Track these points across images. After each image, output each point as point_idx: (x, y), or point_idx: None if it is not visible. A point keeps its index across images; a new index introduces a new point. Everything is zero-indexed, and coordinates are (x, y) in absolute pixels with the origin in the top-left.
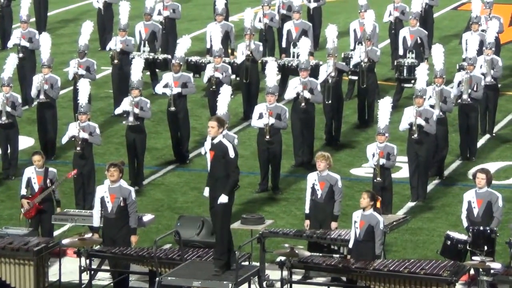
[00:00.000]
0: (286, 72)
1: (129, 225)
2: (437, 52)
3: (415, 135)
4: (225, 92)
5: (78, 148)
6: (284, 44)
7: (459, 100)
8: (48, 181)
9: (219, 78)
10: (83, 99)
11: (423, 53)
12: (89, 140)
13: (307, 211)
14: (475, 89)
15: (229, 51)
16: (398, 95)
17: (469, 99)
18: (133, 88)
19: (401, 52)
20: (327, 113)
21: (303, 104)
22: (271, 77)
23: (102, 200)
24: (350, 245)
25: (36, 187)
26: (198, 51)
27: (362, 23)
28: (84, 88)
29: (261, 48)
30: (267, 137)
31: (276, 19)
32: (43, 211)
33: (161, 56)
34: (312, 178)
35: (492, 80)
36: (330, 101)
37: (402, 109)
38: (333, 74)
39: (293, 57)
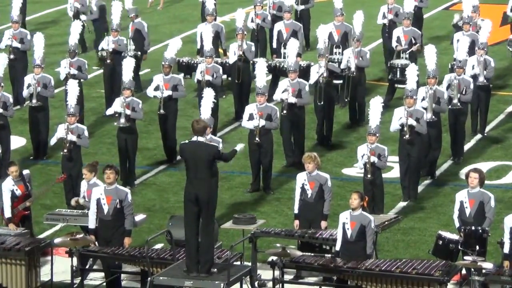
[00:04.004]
0: (277, 73)
1: (124, 226)
2: (430, 52)
3: (407, 136)
4: (208, 96)
5: (65, 151)
6: (275, 45)
7: (450, 106)
8: (28, 185)
9: (209, 81)
10: (72, 100)
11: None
12: (77, 142)
13: (296, 211)
14: (463, 92)
15: (220, 51)
16: (390, 95)
17: (459, 104)
18: (125, 88)
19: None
20: (318, 113)
21: (284, 111)
22: (261, 77)
23: (98, 202)
24: (338, 247)
25: (18, 193)
26: (190, 51)
27: (337, 26)
28: (73, 89)
29: (253, 48)
30: (257, 139)
31: (268, 19)
32: (26, 216)
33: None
34: (301, 178)
35: (485, 80)
36: (322, 102)
37: (393, 110)
38: (325, 74)
39: (284, 58)
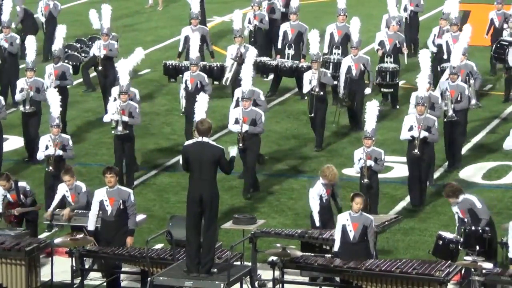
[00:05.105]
0: (279, 73)
1: (126, 226)
2: (424, 57)
3: (416, 150)
4: (202, 101)
5: (51, 168)
6: (279, 45)
7: (445, 119)
8: (21, 196)
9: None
10: (55, 111)
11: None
12: (64, 156)
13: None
14: (459, 98)
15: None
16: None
17: (454, 116)
18: (122, 92)
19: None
20: (311, 122)
21: (241, 145)
22: (246, 81)
23: (101, 204)
24: (336, 248)
25: (11, 200)
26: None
27: (340, 27)
28: (54, 99)
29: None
30: (240, 145)
31: (266, 20)
32: (28, 216)
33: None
34: (320, 188)
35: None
36: (311, 114)
37: (391, 112)
38: (317, 89)
39: (288, 58)
